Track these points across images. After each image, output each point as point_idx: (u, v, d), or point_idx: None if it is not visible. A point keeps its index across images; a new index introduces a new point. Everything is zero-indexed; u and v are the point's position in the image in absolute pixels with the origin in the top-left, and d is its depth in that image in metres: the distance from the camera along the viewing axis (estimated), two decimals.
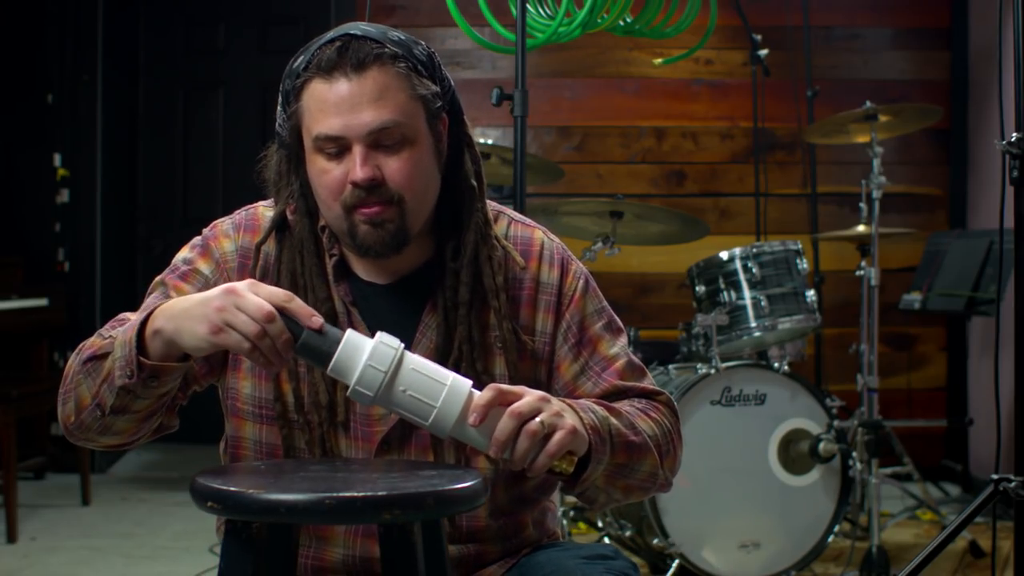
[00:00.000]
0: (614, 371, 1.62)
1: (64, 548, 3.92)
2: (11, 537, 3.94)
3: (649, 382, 1.65)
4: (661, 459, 1.56)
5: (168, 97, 5.68)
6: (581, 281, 1.64)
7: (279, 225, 1.60)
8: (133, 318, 1.48)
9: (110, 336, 1.47)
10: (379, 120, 1.49)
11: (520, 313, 1.60)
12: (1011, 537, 2.36)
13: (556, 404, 1.41)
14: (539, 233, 1.66)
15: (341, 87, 1.49)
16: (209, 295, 1.39)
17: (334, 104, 1.49)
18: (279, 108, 1.57)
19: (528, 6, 2.91)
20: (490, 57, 5.19)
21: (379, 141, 1.50)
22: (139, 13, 5.67)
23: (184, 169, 5.70)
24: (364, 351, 1.36)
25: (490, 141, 3.78)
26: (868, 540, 3.45)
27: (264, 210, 1.64)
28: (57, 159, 5.18)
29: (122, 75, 5.53)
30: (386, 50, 1.50)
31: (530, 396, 1.39)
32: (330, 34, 1.53)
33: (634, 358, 1.66)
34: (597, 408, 1.50)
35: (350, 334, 1.37)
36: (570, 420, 1.40)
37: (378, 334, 1.38)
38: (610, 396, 1.60)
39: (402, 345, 1.38)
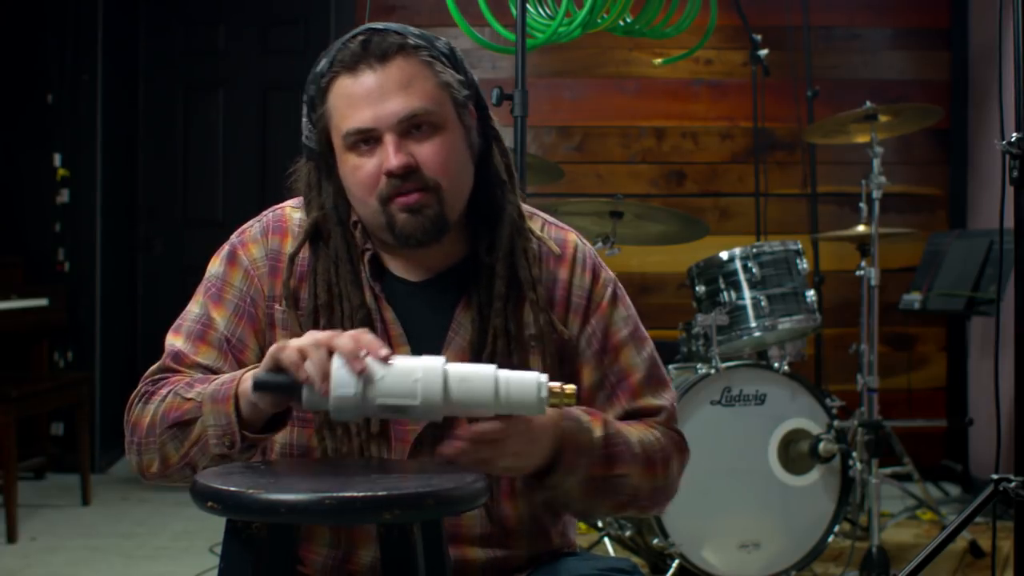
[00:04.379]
0: (628, 387, 1.61)
1: (64, 548, 3.92)
2: (11, 537, 3.94)
3: (666, 398, 1.64)
4: (653, 468, 1.56)
5: (168, 97, 5.67)
6: (610, 288, 1.63)
7: (312, 235, 1.58)
8: (215, 382, 1.46)
9: (191, 398, 1.46)
10: (408, 108, 1.49)
11: (554, 313, 1.59)
12: (1011, 537, 2.35)
13: (537, 447, 1.43)
14: (573, 236, 1.66)
15: (367, 79, 1.49)
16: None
17: (362, 96, 1.49)
18: (304, 119, 1.57)
19: (528, 6, 2.91)
20: (490, 57, 5.19)
21: (409, 129, 1.50)
22: (139, 13, 5.66)
23: (184, 169, 5.69)
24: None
25: None
26: (868, 540, 3.46)
27: (291, 211, 1.63)
28: (57, 159, 5.18)
29: (122, 75, 5.53)
30: (409, 40, 1.51)
31: (513, 440, 1.40)
32: (350, 33, 1.54)
33: (657, 369, 1.65)
34: (596, 446, 1.50)
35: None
36: (526, 465, 1.43)
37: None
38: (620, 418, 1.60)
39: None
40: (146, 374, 1.58)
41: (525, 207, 1.65)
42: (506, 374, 1.38)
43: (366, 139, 1.50)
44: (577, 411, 1.49)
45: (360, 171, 1.51)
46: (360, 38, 1.51)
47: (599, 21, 2.91)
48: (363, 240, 1.58)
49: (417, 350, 1.55)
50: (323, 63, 1.53)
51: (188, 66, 5.66)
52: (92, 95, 5.22)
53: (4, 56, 5.16)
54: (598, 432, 1.50)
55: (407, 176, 1.49)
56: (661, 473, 1.58)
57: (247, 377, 1.42)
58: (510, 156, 1.63)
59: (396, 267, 1.59)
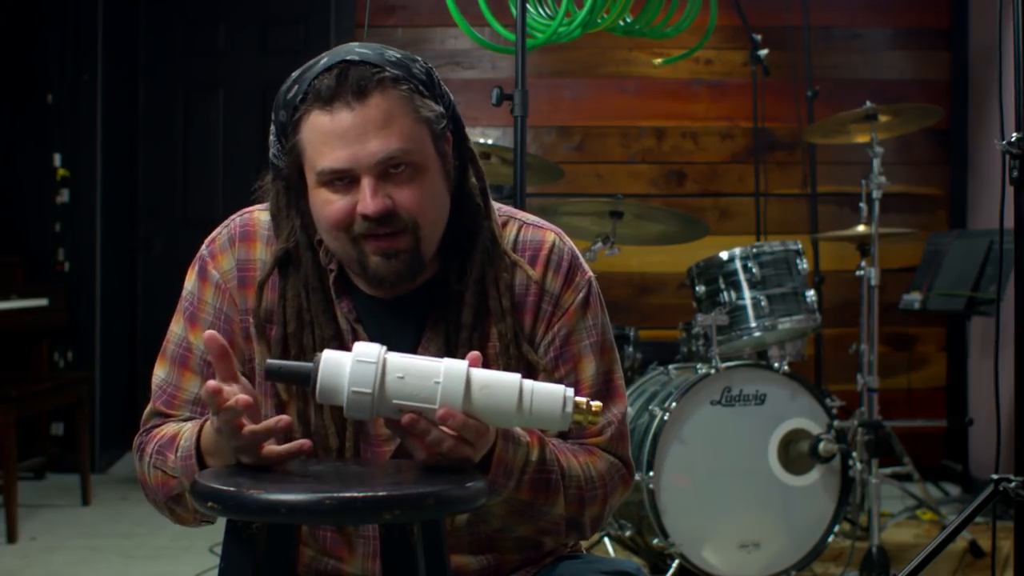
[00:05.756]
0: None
1: (64, 548, 3.92)
2: (11, 537, 3.94)
3: (615, 413, 1.58)
4: (582, 505, 1.51)
5: (168, 97, 5.67)
6: (582, 293, 1.58)
7: (282, 260, 1.55)
8: (181, 451, 1.47)
9: (172, 475, 1.49)
10: (387, 149, 1.43)
11: (523, 319, 1.56)
12: (1011, 537, 2.35)
13: (481, 448, 1.37)
14: (551, 235, 1.60)
15: (343, 117, 1.42)
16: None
17: (338, 136, 1.43)
18: (272, 138, 1.51)
19: (528, 6, 2.91)
20: (490, 57, 5.19)
21: (388, 170, 1.44)
22: (139, 13, 5.66)
23: (184, 169, 5.69)
24: (344, 373, 1.32)
25: (490, 141, 3.78)
26: (868, 540, 3.45)
27: (260, 214, 1.60)
28: (57, 159, 5.18)
29: (122, 75, 5.52)
30: (386, 73, 1.44)
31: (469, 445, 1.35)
32: (324, 60, 1.46)
33: (612, 382, 1.60)
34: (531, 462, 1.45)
35: (326, 355, 1.33)
36: (471, 456, 1.37)
37: (355, 347, 1.33)
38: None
39: (383, 353, 1.33)
40: (143, 418, 1.60)
41: (503, 209, 1.61)
42: (531, 385, 1.35)
43: (341, 177, 1.45)
44: (518, 430, 1.45)
45: (332, 207, 1.46)
46: (335, 71, 1.43)
47: (599, 21, 2.91)
48: (327, 260, 1.55)
49: None
50: (295, 90, 1.46)
51: (188, 66, 5.66)
52: (92, 95, 5.22)
53: (4, 56, 5.16)
54: (533, 455, 1.45)
55: (383, 219, 1.45)
56: (595, 509, 1.53)
57: (207, 451, 1.43)
58: (485, 178, 1.59)
59: (364, 284, 1.55)
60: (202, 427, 1.45)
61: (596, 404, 1.37)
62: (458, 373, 1.33)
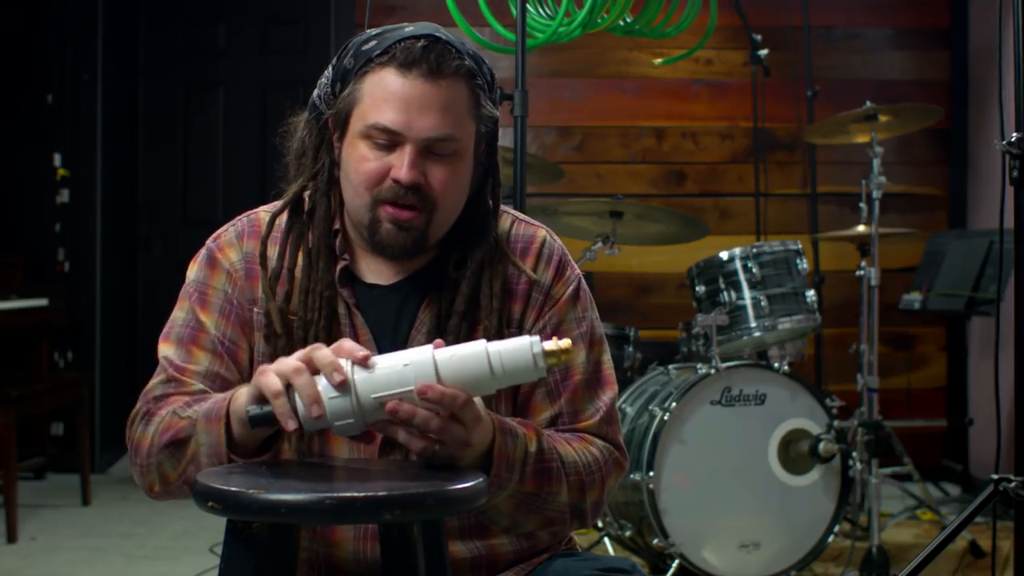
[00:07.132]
0: (570, 386, 1.59)
1: (64, 548, 3.92)
2: (11, 537, 3.94)
3: (604, 400, 1.60)
4: (583, 491, 1.52)
5: (168, 97, 5.67)
6: (571, 287, 1.63)
7: (295, 204, 1.60)
8: (211, 400, 1.46)
9: (188, 416, 1.46)
10: (440, 130, 1.50)
11: (512, 307, 1.60)
12: (1011, 537, 2.36)
13: (477, 438, 1.38)
14: (542, 232, 1.66)
15: (415, 85, 1.49)
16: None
17: (402, 99, 1.49)
18: (326, 80, 1.57)
19: (528, 6, 2.91)
20: (490, 57, 5.18)
21: (431, 149, 1.51)
22: (139, 13, 5.66)
23: (184, 169, 5.69)
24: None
25: None
26: (868, 540, 3.46)
27: (265, 214, 1.64)
28: (57, 159, 5.18)
29: (122, 75, 5.53)
30: (466, 63, 1.52)
31: (464, 424, 1.35)
32: (411, 28, 1.53)
33: (601, 372, 1.62)
34: (530, 453, 1.46)
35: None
36: (465, 459, 1.38)
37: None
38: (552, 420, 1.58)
39: (347, 363, 1.35)
40: (146, 389, 1.58)
41: None
42: (496, 345, 1.36)
43: (387, 138, 1.51)
44: (513, 423, 1.47)
45: (366, 164, 1.52)
46: (422, 43, 1.50)
47: (599, 21, 2.91)
48: (341, 250, 1.59)
49: (384, 351, 1.55)
50: (373, 44, 1.52)
51: (188, 66, 5.66)
52: (92, 95, 5.23)
53: (4, 56, 5.16)
54: (532, 447, 1.47)
55: (411, 190, 1.51)
56: (595, 494, 1.55)
57: (240, 395, 1.42)
58: (500, 190, 1.65)
59: (367, 271, 1.60)
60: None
61: (564, 342, 1.37)
62: (423, 352, 1.36)
